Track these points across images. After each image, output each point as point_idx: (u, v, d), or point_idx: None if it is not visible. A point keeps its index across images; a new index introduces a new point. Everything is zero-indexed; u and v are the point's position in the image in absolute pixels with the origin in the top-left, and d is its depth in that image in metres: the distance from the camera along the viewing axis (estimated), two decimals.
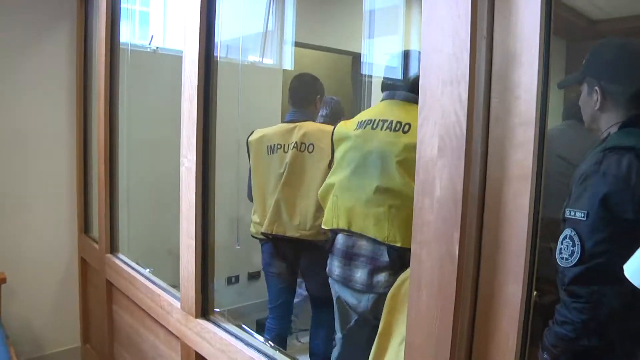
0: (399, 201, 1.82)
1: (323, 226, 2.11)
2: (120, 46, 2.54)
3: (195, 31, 1.71)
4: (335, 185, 2.03)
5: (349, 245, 1.99)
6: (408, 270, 1.04)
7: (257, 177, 2.64)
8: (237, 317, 1.88)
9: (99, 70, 2.49)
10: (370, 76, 4.99)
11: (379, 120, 1.96)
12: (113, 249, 2.53)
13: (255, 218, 2.67)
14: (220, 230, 3.85)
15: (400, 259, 1.82)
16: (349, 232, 1.97)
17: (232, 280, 3.90)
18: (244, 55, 3.98)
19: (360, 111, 4.93)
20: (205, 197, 1.77)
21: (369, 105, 4.92)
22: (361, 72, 4.92)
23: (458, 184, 0.94)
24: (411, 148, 1.77)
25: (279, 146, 2.56)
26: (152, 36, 3.38)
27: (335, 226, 2.02)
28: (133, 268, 2.32)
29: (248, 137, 2.69)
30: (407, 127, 1.87)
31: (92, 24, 2.79)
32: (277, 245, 2.64)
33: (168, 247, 3.45)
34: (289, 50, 4.23)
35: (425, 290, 0.99)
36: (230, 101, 3.61)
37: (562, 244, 1.27)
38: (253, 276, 4.08)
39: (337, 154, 2.09)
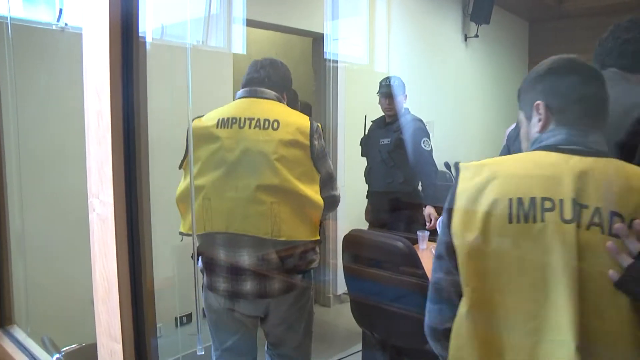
0: (280, 197, 1.89)
1: (185, 231, 2.05)
2: None
3: None
4: (206, 187, 1.95)
5: (232, 259, 1.99)
6: None
7: None
8: None
9: None
10: (336, 61, 4.31)
11: (245, 118, 1.96)
12: (3, 319, 1.71)
13: None
14: (159, 261, 3.14)
15: (286, 251, 1.96)
16: (225, 234, 1.97)
17: (182, 321, 3.13)
18: (185, 38, 3.20)
19: (326, 100, 4.24)
20: (137, 265, 0.99)
21: (335, 93, 4.25)
22: (324, 56, 4.23)
23: None
24: (285, 144, 1.90)
25: None
26: (61, 10, 2.54)
27: (208, 230, 1.97)
28: (33, 358, 1.51)
29: None
30: (276, 124, 1.92)
31: None
32: None
33: (90, 297, 2.67)
34: (239, 31, 3.46)
35: None
36: (167, 93, 2.86)
37: None
38: None
39: (201, 153, 1.98)
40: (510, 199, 1.05)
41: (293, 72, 4.02)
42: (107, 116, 0.93)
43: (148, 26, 2.78)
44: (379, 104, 3.64)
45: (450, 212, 1.13)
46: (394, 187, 3.55)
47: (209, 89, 3.18)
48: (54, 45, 2.42)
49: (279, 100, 2.09)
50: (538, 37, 7.50)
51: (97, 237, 1.01)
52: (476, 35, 5.85)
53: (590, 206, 1.01)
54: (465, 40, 5.91)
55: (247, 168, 1.92)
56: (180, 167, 2.07)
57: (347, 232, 2.67)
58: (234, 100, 2.10)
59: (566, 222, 1.01)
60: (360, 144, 3.82)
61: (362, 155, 3.79)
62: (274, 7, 3.63)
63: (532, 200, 1.04)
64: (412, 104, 3.73)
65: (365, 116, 3.83)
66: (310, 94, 4.49)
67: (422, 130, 3.49)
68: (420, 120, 3.56)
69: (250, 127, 1.94)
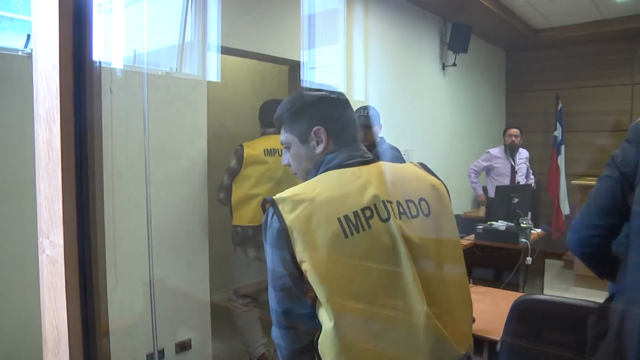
0: None
1: (246, 223, 3.20)
2: None
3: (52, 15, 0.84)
4: (264, 194, 3.03)
5: None
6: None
7: None
8: None
9: None
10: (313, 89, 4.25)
11: (273, 149, 3.20)
12: None
13: None
14: (131, 298, 3.02)
15: None
16: None
17: (153, 359, 2.98)
18: (160, 65, 3.12)
19: None
20: (90, 312, 0.90)
21: None
22: (301, 85, 4.18)
23: None
24: None
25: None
26: (29, 35, 2.45)
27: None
28: None
29: None
30: None
31: None
32: None
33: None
34: (214, 59, 3.39)
35: None
36: (134, 121, 2.78)
37: None
38: (183, 347, 3.18)
39: (252, 172, 3.17)
40: (339, 218, 1.22)
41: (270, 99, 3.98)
42: (57, 147, 0.85)
43: (117, 53, 2.70)
44: None
45: (286, 245, 1.21)
46: None
47: (183, 117, 3.10)
48: (19, 71, 2.32)
49: None
50: (515, 65, 7.60)
51: (46, 281, 0.92)
52: (454, 64, 5.87)
53: (394, 200, 1.29)
54: (443, 69, 5.94)
55: (288, 182, 2.95)
56: (231, 182, 3.21)
57: None
58: (261, 135, 3.37)
59: (384, 220, 1.25)
60: None
61: None
62: (250, 35, 3.58)
63: (355, 213, 1.23)
64: (390, 133, 3.68)
65: None
66: None
67: (398, 159, 3.43)
68: (397, 149, 3.51)
69: (276, 155, 3.19)
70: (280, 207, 1.24)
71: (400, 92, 5.24)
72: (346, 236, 1.21)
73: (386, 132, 3.61)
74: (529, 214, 4.22)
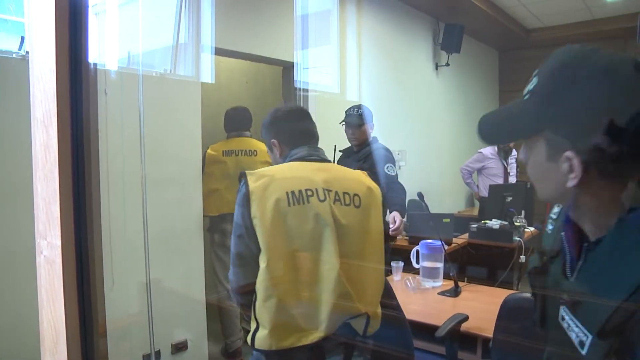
0: None
1: (211, 214, 3.52)
2: None
3: (48, 19, 0.85)
4: (222, 189, 3.47)
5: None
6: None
7: None
8: None
9: None
10: (307, 90, 4.28)
11: (238, 150, 3.60)
12: None
13: None
14: (127, 299, 3.03)
15: None
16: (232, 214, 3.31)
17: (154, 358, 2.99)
18: (154, 67, 3.13)
19: None
20: (87, 312, 0.91)
21: None
22: (295, 85, 4.19)
23: None
24: (261, 163, 3.51)
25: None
26: (23, 38, 2.45)
27: (222, 212, 3.48)
28: None
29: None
30: (256, 152, 3.62)
31: None
32: None
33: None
34: (207, 60, 3.40)
35: None
36: (129, 122, 2.78)
37: None
38: (179, 348, 3.19)
39: (212, 170, 3.50)
40: (287, 192, 1.64)
41: (263, 100, 4.01)
42: (54, 149, 0.86)
43: (111, 55, 2.70)
44: (345, 132, 3.59)
45: (247, 204, 1.62)
46: None
47: (178, 118, 3.11)
48: (14, 73, 2.32)
49: (251, 135, 3.69)
50: (507, 65, 7.64)
51: (44, 282, 0.93)
52: (447, 64, 5.90)
53: (333, 190, 1.71)
54: (436, 68, 5.97)
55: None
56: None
57: None
58: (227, 137, 3.68)
59: (321, 201, 1.67)
60: None
61: None
62: (244, 36, 3.59)
63: (300, 191, 1.65)
64: (384, 133, 3.70)
65: (335, 146, 3.78)
66: None
67: (386, 157, 3.43)
68: (386, 149, 3.50)
69: (241, 155, 3.57)
70: (249, 178, 1.65)
71: (393, 92, 5.26)
72: (289, 205, 1.63)
73: (379, 132, 3.63)
74: (523, 212, 4.24)
